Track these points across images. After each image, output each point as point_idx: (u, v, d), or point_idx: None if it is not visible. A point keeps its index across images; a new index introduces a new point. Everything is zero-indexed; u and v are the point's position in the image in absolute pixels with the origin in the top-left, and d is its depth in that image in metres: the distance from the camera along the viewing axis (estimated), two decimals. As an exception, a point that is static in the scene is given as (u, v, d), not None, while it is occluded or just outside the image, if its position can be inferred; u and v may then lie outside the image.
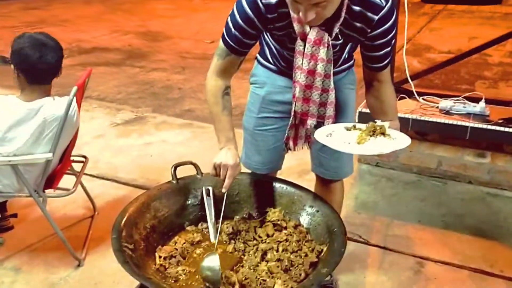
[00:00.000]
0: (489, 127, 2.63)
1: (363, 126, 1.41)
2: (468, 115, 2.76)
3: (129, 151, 3.34)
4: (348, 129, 1.42)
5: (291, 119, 1.59)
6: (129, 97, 4.56)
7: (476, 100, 2.82)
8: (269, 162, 1.83)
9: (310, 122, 1.56)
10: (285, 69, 1.64)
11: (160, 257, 1.44)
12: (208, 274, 1.31)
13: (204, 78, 1.55)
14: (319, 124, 1.55)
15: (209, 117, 1.60)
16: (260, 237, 1.52)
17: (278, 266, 1.38)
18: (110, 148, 3.38)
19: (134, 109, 4.20)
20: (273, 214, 1.59)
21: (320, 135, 1.41)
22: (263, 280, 1.34)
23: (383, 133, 1.34)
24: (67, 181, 2.22)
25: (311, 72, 1.45)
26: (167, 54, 6.17)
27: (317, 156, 1.83)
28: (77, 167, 2.32)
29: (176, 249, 1.47)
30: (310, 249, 1.45)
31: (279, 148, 1.77)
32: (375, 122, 1.37)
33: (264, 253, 1.46)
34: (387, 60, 1.50)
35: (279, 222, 1.56)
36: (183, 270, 1.40)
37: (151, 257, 1.43)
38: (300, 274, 1.34)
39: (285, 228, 1.55)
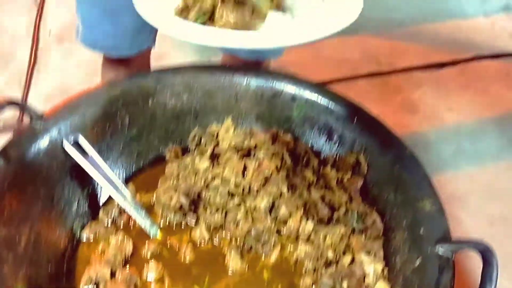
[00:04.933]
0: None
1: None
2: None
3: None
4: None
5: None
6: None
7: None
8: (133, 31, 0.97)
9: None
10: None
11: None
12: None
13: None
14: None
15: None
16: (236, 185, 0.81)
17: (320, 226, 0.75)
18: None
19: None
20: (226, 134, 0.86)
21: None
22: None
23: None
24: None
25: None
26: None
27: None
28: None
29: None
30: (329, 168, 0.84)
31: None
32: None
33: (269, 210, 0.79)
34: None
35: (243, 144, 0.86)
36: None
37: None
38: (373, 223, 0.75)
39: (255, 148, 0.86)
